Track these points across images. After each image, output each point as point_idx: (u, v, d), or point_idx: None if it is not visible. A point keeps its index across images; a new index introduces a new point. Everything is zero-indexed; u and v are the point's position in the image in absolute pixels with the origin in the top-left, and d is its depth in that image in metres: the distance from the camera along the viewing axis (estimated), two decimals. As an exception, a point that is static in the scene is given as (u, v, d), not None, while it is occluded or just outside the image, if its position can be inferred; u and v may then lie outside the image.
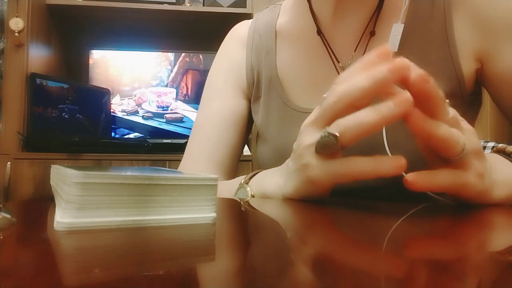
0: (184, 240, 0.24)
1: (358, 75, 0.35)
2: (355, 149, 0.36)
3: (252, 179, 0.50)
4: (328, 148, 0.36)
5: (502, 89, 0.55)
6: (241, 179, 0.51)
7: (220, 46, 0.73)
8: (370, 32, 0.57)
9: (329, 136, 0.36)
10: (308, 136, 0.39)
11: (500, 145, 0.45)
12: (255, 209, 0.40)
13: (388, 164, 0.34)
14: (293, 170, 0.41)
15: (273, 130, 0.63)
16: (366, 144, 0.37)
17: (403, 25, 0.54)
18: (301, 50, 0.62)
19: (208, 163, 0.64)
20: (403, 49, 0.54)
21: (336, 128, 0.36)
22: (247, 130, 0.70)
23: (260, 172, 0.51)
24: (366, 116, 0.34)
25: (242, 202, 0.43)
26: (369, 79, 0.34)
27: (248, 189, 0.48)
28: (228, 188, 0.52)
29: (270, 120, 0.63)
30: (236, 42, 0.70)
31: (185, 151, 0.68)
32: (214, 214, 0.28)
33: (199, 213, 0.27)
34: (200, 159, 0.65)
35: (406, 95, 0.33)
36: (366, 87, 0.34)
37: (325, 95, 0.39)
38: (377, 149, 0.42)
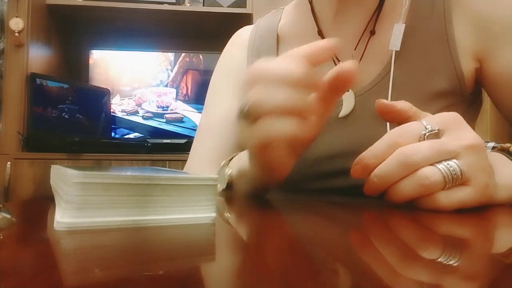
0: (184, 240, 0.24)
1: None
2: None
3: (235, 157, 0.51)
4: (244, 117, 0.36)
5: (500, 89, 0.55)
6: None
7: (223, 50, 0.74)
8: (370, 31, 0.57)
9: (246, 108, 0.36)
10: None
11: (506, 144, 0.44)
12: (255, 209, 0.40)
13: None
14: None
15: None
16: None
17: (405, 24, 0.54)
18: None
19: (212, 164, 0.65)
20: (404, 48, 0.54)
21: (252, 95, 0.35)
22: None
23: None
24: (291, 99, 0.34)
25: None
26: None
27: (227, 170, 0.49)
28: None
29: None
30: (237, 45, 0.72)
31: (190, 153, 0.69)
32: (214, 214, 0.28)
33: (199, 213, 0.27)
34: (204, 160, 0.66)
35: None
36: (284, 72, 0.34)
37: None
38: None
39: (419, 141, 0.35)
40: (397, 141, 0.36)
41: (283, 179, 0.43)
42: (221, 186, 0.49)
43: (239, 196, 0.49)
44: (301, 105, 0.35)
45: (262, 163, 0.41)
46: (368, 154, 0.37)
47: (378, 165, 0.36)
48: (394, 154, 0.35)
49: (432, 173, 0.34)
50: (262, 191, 0.47)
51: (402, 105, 0.38)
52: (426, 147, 0.35)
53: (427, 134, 0.36)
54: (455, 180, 0.34)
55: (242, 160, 0.48)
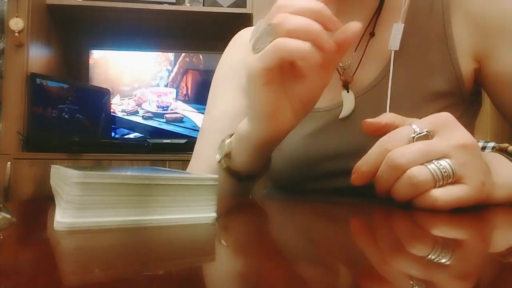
0: (185, 240, 0.24)
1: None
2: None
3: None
4: (264, 37, 0.38)
5: (499, 90, 0.55)
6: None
7: (224, 52, 0.74)
8: (369, 32, 0.57)
9: (268, 26, 0.37)
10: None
11: (503, 144, 0.44)
12: (256, 209, 0.40)
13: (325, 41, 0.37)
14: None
15: None
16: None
17: (404, 24, 0.54)
18: None
19: (214, 164, 0.65)
20: (403, 49, 0.54)
21: (277, 17, 0.37)
22: None
23: None
24: (312, 24, 0.36)
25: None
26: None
27: (227, 140, 0.49)
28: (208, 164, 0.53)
29: None
30: (238, 45, 0.72)
31: (193, 153, 0.69)
32: (214, 214, 0.28)
33: (199, 213, 0.27)
34: (207, 161, 0.66)
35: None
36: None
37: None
38: None
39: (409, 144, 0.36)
40: (386, 147, 0.37)
41: (282, 137, 0.44)
42: (219, 156, 0.49)
43: (238, 194, 0.49)
44: (319, 32, 0.36)
45: (266, 106, 0.42)
46: (363, 163, 0.39)
47: (374, 171, 0.38)
48: (385, 159, 0.37)
49: (419, 172, 0.35)
50: (261, 157, 0.47)
51: (387, 118, 0.40)
52: (413, 149, 0.36)
53: (416, 137, 0.37)
54: (446, 178, 0.34)
55: (240, 125, 0.48)
